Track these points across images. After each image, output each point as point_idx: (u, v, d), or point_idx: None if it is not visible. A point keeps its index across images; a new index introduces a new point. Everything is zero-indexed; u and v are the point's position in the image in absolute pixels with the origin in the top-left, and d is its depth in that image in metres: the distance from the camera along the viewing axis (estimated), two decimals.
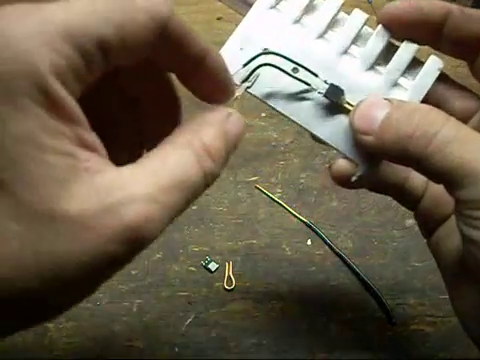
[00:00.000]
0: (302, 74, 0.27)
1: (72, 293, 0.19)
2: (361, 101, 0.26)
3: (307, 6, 0.28)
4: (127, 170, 0.19)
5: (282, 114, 0.28)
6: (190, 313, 0.43)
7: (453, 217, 0.27)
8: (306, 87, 0.27)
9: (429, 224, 0.31)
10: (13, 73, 0.17)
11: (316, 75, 0.27)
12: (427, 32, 0.26)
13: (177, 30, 0.21)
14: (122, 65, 0.21)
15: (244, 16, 0.29)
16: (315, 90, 0.27)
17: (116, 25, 0.19)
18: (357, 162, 0.28)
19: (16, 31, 0.17)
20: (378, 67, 0.28)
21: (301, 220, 0.48)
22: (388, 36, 0.27)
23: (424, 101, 0.27)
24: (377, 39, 0.27)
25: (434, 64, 0.27)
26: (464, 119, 0.28)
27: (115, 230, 0.18)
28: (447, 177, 0.23)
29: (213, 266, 0.45)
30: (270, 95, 0.28)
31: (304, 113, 0.28)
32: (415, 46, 0.27)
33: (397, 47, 0.28)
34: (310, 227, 0.48)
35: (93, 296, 0.43)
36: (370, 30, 0.28)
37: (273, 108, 0.28)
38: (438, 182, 0.25)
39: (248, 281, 0.45)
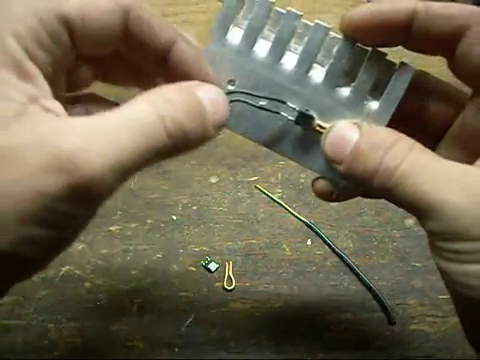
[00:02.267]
0: (271, 102, 0.27)
1: (12, 232, 0.18)
2: (331, 127, 0.26)
3: (267, 25, 0.27)
4: (75, 117, 0.20)
5: (257, 142, 0.28)
6: (190, 313, 0.43)
7: None
8: (277, 115, 0.27)
9: None
10: None
11: (284, 102, 0.27)
12: (393, 36, 0.25)
13: (141, 15, 0.22)
14: (93, 51, 0.23)
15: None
16: (286, 118, 0.27)
17: (77, 5, 0.21)
18: (336, 180, 0.28)
19: None
20: (348, 80, 0.27)
21: (301, 220, 0.48)
22: (353, 45, 0.26)
23: (402, 107, 0.27)
24: (342, 52, 0.26)
25: (405, 72, 0.26)
26: (445, 122, 0.27)
27: (46, 159, 0.18)
28: (412, 210, 0.23)
29: (213, 266, 0.45)
30: (242, 126, 0.28)
31: (278, 140, 0.28)
32: (382, 55, 0.26)
33: (366, 52, 0.26)
34: (310, 227, 0.48)
35: (93, 296, 0.44)
36: (337, 37, 0.26)
37: (246, 137, 0.28)
38: (411, 213, 0.24)
39: (248, 281, 0.45)
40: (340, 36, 0.26)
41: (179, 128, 0.21)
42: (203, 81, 0.25)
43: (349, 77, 0.27)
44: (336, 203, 0.49)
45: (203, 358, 0.41)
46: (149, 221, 0.48)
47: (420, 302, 0.43)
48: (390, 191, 0.23)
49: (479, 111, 0.26)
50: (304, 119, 0.26)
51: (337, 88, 0.27)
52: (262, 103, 0.27)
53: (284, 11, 0.26)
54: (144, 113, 0.20)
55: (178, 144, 0.21)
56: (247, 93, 0.26)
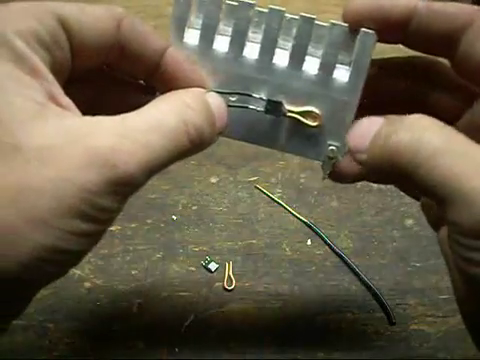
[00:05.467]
0: (240, 98, 0.26)
1: (51, 227, 0.19)
2: (358, 122, 0.25)
3: (221, 20, 0.26)
4: (100, 117, 0.21)
5: (238, 139, 0.28)
6: (190, 313, 0.43)
7: None
8: (250, 110, 0.27)
9: (432, 218, 0.29)
10: None
11: (250, 95, 0.26)
12: (391, 29, 0.25)
13: (134, 23, 0.24)
14: (89, 59, 0.24)
15: None
16: (256, 110, 0.26)
17: (74, 9, 0.22)
18: (322, 159, 0.27)
19: None
20: (311, 57, 0.26)
21: (301, 220, 0.48)
22: (312, 23, 0.25)
23: (409, 95, 0.26)
24: (302, 30, 0.26)
25: (367, 37, 0.25)
26: (453, 115, 0.26)
27: (80, 158, 0.19)
28: (434, 193, 0.20)
29: (213, 266, 0.45)
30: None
31: (258, 133, 0.27)
32: (343, 27, 0.25)
33: (326, 27, 0.26)
34: (310, 227, 0.48)
35: (93, 296, 0.44)
36: (294, 17, 0.26)
37: (228, 137, 0.28)
38: (431, 199, 0.22)
39: (248, 281, 0.44)
40: (297, 16, 0.26)
41: (198, 133, 0.23)
42: (198, 86, 0.26)
43: (314, 55, 0.26)
44: (336, 203, 0.49)
45: (203, 358, 0.41)
46: (149, 221, 0.48)
47: (420, 302, 0.43)
48: (412, 172, 0.21)
49: None
50: (274, 107, 0.26)
51: (304, 68, 0.26)
52: (232, 99, 0.26)
53: (236, 3, 0.26)
54: (169, 118, 0.22)
55: (195, 148, 0.23)
56: (215, 91, 0.26)
